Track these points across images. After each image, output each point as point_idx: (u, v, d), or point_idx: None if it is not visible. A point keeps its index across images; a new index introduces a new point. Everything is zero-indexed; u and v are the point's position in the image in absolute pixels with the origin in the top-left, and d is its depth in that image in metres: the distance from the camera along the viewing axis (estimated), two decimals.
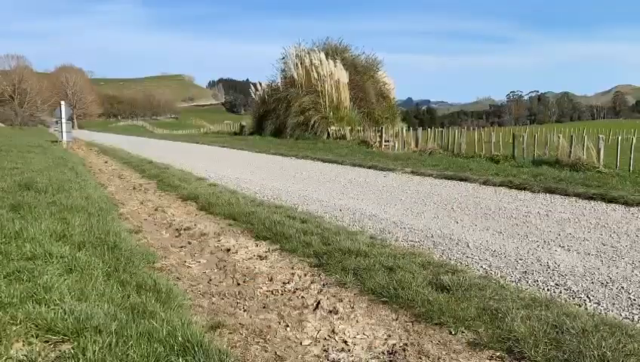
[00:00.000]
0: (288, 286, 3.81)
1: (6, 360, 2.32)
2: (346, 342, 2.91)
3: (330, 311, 3.32)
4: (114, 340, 2.48)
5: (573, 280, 3.87)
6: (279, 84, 27.61)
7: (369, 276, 3.76)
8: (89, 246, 4.23)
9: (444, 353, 2.75)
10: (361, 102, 25.15)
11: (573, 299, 3.49)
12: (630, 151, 10.29)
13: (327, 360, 2.72)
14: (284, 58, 27.42)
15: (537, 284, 3.80)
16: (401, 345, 2.85)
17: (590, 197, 7.29)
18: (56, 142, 22.01)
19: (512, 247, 4.81)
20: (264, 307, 3.43)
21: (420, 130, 17.53)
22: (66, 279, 3.32)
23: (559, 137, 11.80)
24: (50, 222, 4.88)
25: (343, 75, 24.25)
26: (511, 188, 8.44)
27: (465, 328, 2.97)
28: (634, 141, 10.99)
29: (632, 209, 6.54)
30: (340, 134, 22.25)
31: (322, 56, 24.45)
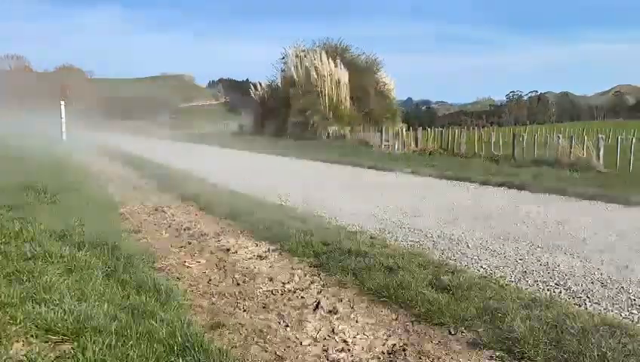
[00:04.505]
0: (288, 286, 3.81)
1: (6, 360, 2.32)
2: (346, 341, 2.91)
3: (330, 311, 3.32)
4: (114, 340, 2.48)
5: (573, 280, 3.87)
6: (279, 84, 27.63)
7: (369, 276, 3.75)
8: (89, 246, 4.23)
9: (444, 353, 2.75)
10: (361, 102, 25.16)
11: (573, 299, 3.50)
12: (630, 151, 10.28)
13: (327, 360, 2.72)
14: (284, 58, 27.48)
15: (537, 284, 3.80)
16: (401, 345, 2.85)
17: (590, 197, 7.29)
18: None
19: (512, 247, 4.81)
20: (264, 307, 3.43)
21: (419, 130, 17.54)
22: (66, 279, 3.31)
23: (559, 137, 11.81)
24: (50, 222, 4.88)
25: (342, 75, 24.27)
26: (511, 188, 8.44)
27: (465, 328, 2.97)
28: (634, 141, 10.99)
29: (631, 209, 6.54)
30: (339, 134, 22.28)
31: (322, 56, 24.47)
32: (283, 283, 3.89)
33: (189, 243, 5.13)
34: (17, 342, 2.47)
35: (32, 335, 2.54)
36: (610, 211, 6.48)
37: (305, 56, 25.49)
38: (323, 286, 3.79)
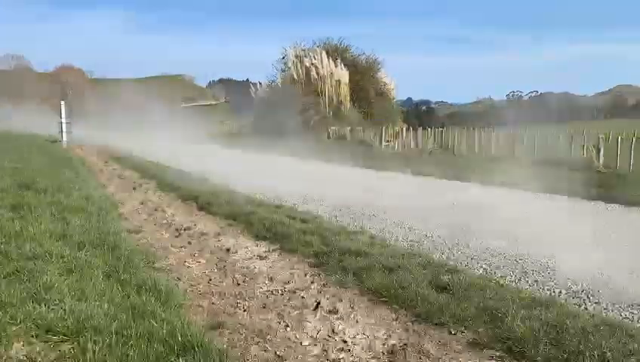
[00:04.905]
0: (288, 286, 3.80)
1: (6, 360, 2.32)
2: (345, 341, 2.91)
3: (330, 311, 3.32)
4: (114, 340, 2.48)
5: (573, 280, 3.87)
6: (279, 84, 27.63)
7: (369, 276, 3.75)
8: (89, 246, 4.23)
9: (444, 353, 2.75)
10: (361, 102, 25.18)
11: (573, 298, 3.50)
12: (630, 151, 10.28)
13: (327, 360, 2.72)
14: (284, 58, 27.47)
15: (537, 284, 3.80)
16: (401, 345, 2.85)
17: (590, 198, 7.29)
18: (56, 141, 22.01)
19: (512, 247, 4.81)
20: (264, 307, 3.43)
21: (419, 130, 17.53)
22: (66, 279, 3.31)
23: (559, 137, 11.82)
24: (50, 222, 4.88)
25: (343, 75, 24.29)
26: (511, 188, 8.44)
27: (465, 328, 2.97)
28: (634, 141, 10.98)
29: (631, 209, 6.54)
30: (340, 134, 22.28)
31: (322, 55, 24.48)
32: (283, 283, 3.89)
33: (189, 243, 5.13)
34: (17, 342, 2.47)
35: (32, 335, 2.54)
36: (610, 211, 6.48)
37: (305, 56, 25.50)
38: (323, 286, 3.79)
